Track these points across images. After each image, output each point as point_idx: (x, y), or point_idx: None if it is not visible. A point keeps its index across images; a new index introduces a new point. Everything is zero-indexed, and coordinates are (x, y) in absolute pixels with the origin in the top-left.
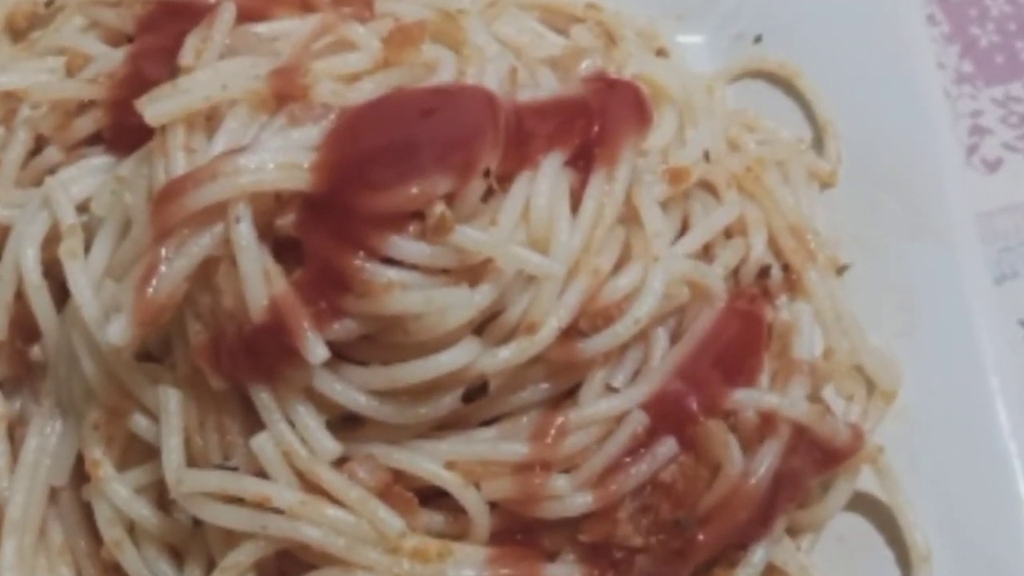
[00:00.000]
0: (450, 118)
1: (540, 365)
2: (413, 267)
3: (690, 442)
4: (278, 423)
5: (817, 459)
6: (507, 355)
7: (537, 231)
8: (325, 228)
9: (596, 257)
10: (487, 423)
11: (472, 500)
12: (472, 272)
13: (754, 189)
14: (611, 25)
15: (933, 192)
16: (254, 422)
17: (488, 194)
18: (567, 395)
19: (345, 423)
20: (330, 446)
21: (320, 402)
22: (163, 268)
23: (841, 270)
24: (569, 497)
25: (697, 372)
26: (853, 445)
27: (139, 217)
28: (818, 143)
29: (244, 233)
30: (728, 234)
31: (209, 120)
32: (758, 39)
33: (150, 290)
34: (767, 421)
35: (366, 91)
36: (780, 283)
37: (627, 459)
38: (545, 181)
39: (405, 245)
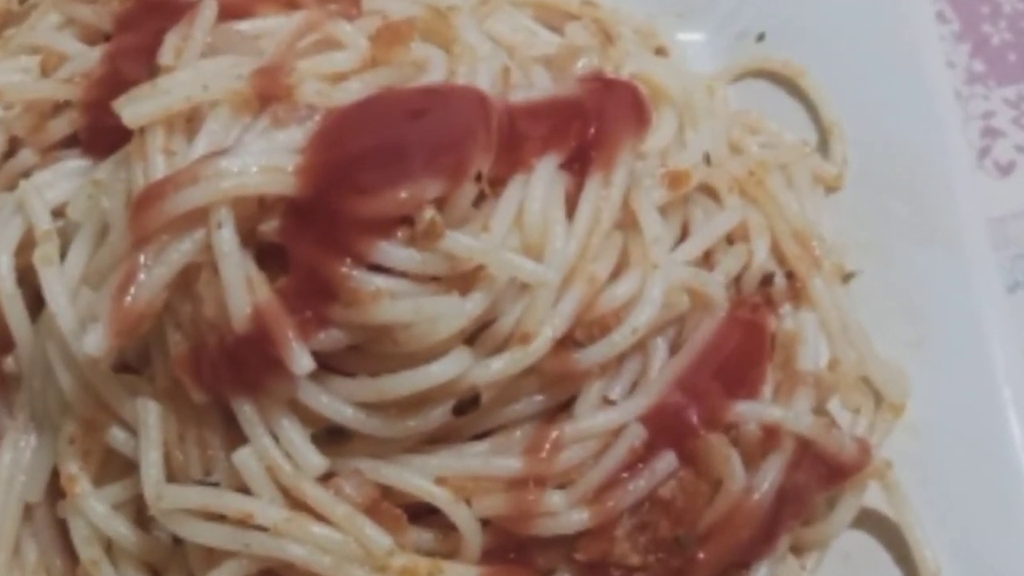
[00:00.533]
0: (440, 119)
1: (534, 376)
2: (402, 275)
3: (690, 457)
4: (261, 437)
5: (822, 474)
6: (500, 366)
7: (531, 237)
8: (310, 234)
9: (592, 264)
10: (479, 437)
11: (463, 517)
12: (463, 280)
13: (757, 193)
14: (608, 23)
15: (943, 196)
16: (236, 436)
17: (480, 199)
18: (562, 408)
19: (331, 437)
20: (315, 461)
21: (305, 415)
22: (142, 276)
23: (847, 278)
24: (564, 514)
25: (697, 384)
26: (860, 460)
27: (117, 222)
28: (823, 145)
29: (226, 239)
30: (730, 240)
31: (190, 122)
32: (761, 37)
33: (128, 298)
34: (770, 435)
35: (353, 91)
36: (784, 291)
37: (625, 474)
38: (539, 185)
39: (393, 252)
